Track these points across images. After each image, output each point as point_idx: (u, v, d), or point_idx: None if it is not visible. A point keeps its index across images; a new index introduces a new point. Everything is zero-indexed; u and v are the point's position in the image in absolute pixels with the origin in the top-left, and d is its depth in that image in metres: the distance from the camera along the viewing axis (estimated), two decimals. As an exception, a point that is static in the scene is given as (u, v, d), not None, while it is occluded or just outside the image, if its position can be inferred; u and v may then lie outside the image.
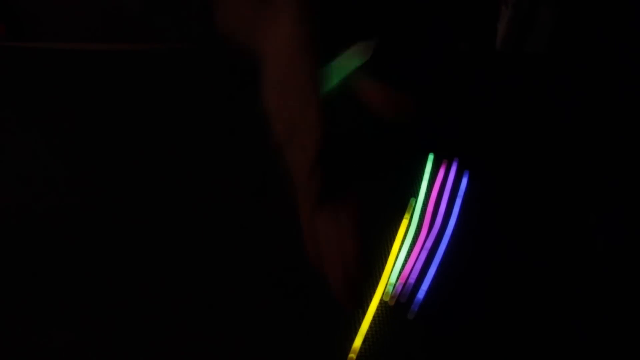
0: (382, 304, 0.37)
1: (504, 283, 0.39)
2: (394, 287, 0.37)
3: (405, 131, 0.48)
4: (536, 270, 0.39)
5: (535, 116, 0.51)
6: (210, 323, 0.35)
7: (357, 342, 0.34)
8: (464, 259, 0.40)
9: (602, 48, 0.61)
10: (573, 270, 0.40)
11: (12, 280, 0.37)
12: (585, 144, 0.48)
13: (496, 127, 0.50)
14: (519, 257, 0.40)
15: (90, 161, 0.45)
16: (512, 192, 0.44)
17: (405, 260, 0.39)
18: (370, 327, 0.35)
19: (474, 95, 0.52)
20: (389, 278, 0.38)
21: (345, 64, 0.33)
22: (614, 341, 0.36)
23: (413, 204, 0.43)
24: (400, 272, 0.38)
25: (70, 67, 0.52)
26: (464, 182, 0.44)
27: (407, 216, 0.42)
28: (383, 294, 0.37)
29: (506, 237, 0.41)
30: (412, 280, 0.38)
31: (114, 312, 0.36)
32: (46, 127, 0.47)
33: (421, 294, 0.37)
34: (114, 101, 0.49)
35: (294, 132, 0.29)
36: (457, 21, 0.63)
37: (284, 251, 0.39)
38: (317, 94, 0.28)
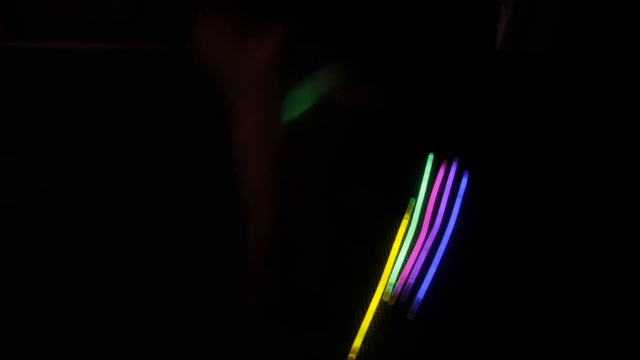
0: (382, 304, 0.37)
1: (504, 283, 0.39)
2: (394, 287, 0.37)
3: (405, 131, 0.48)
4: (536, 270, 0.39)
5: (535, 116, 0.51)
6: (210, 323, 0.35)
7: (357, 342, 0.34)
8: (463, 259, 0.40)
9: (602, 48, 0.61)
10: (573, 270, 0.40)
11: (12, 280, 0.37)
12: (585, 144, 0.48)
13: (496, 127, 0.50)
14: (518, 257, 0.40)
15: (90, 161, 0.45)
16: (512, 192, 0.44)
17: (405, 260, 0.39)
18: (370, 327, 0.35)
19: (474, 95, 0.52)
20: (389, 278, 0.38)
21: (318, 86, 0.33)
22: (614, 341, 0.36)
23: (413, 204, 0.43)
24: (400, 272, 0.38)
25: (70, 67, 0.52)
26: (464, 182, 0.44)
27: (407, 216, 0.42)
28: (383, 294, 0.37)
29: (506, 237, 0.41)
30: (412, 280, 0.38)
31: (114, 312, 0.36)
32: (46, 126, 0.47)
33: (421, 294, 0.37)
34: (113, 101, 0.49)
35: (251, 211, 0.30)
36: (456, 21, 0.63)
37: (284, 251, 0.39)
38: (273, 186, 0.29)
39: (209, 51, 0.34)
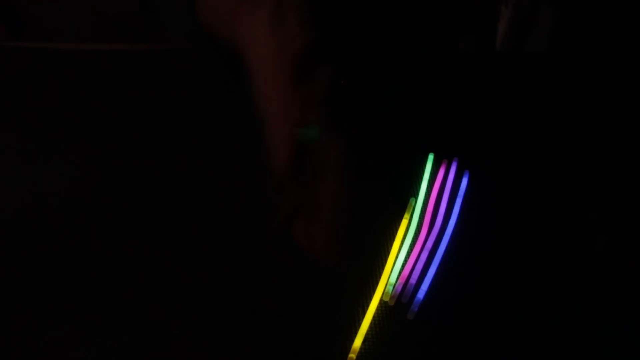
0: (382, 304, 0.37)
1: (504, 283, 0.39)
2: (394, 287, 0.37)
3: (405, 131, 0.48)
4: (536, 270, 0.39)
5: (535, 116, 0.51)
6: (210, 323, 0.35)
7: (357, 342, 0.34)
8: (464, 259, 0.40)
9: (602, 48, 0.61)
10: (573, 270, 0.40)
11: (11, 280, 0.37)
12: (585, 144, 0.48)
13: (496, 127, 0.50)
14: (519, 257, 0.40)
15: (90, 161, 0.45)
16: (512, 192, 0.44)
17: (405, 260, 0.39)
18: (370, 327, 0.35)
19: (474, 96, 0.52)
20: (388, 278, 0.38)
21: None
22: (614, 341, 0.36)
23: (413, 204, 0.43)
24: (400, 272, 0.38)
25: (70, 67, 0.52)
26: (464, 182, 0.44)
27: (407, 216, 0.42)
28: (383, 294, 0.37)
29: (506, 237, 0.41)
30: (412, 280, 0.38)
31: (113, 312, 0.36)
32: (46, 126, 0.47)
33: (421, 294, 0.37)
34: (113, 101, 0.49)
35: (271, 138, 0.31)
36: (455, 20, 0.63)
37: (284, 251, 0.39)
38: (291, 115, 0.29)
39: (211, 19, 0.35)
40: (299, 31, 0.29)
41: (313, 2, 0.30)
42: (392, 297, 0.37)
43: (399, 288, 0.37)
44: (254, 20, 0.30)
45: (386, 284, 0.37)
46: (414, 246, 0.40)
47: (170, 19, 0.41)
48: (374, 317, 0.36)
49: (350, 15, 0.53)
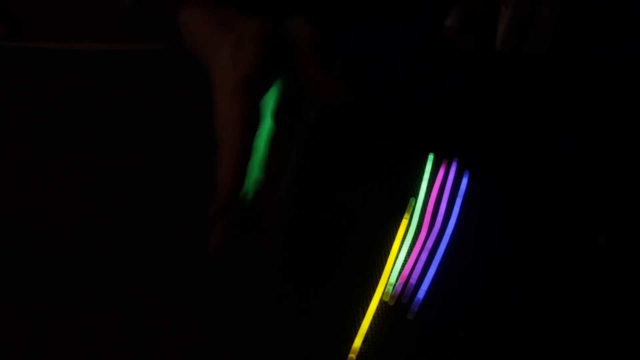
0: (382, 304, 0.37)
1: (504, 283, 0.39)
2: (394, 287, 0.37)
3: (405, 131, 0.48)
4: (536, 270, 0.39)
5: (536, 116, 0.51)
6: (210, 323, 0.35)
7: (357, 342, 0.34)
8: (464, 259, 0.40)
9: (602, 48, 0.61)
10: (573, 270, 0.40)
11: (11, 280, 0.37)
12: (585, 144, 0.48)
13: (496, 127, 0.50)
14: (519, 257, 0.40)
15: (90, 160, 0.45)
16: (512, 192, 0.44)
17: (405, 260, 0.39)
18: (370, 327, 0.35)
19: (474, 96, 0.52)
20: (388, 278, 0.38)
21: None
22: (613, 341, 0.36)
23: (413, 204, 0.43)
24: (400, 272, 0.38)
25: (70, 67, 0.52)
26: (464, 182, 0.44)
27: (407, 216, 0.42)
28: (383, 294, 0.37)
29: (506, 237, 0.41)
30: (412, 280, 0.38)
31: (113, 312, 0.36)
32: (46, 126, 0.47)
33: (421, 294, 0.37)
34: (113, 101, 0.50)
35: (219, 161, 0.32)
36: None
37: (284, 251, 0.39)
38: (241, 146, 0.31)
39: (194, 38, 0.37)
40: (252, 59, 0.32)
41: (269, 35, 0.33)
42: (392, 297, 0.37)
43: (399, 288, 0.37)
44: (221, 50, 0.34)
45: (386, 284, 0.37)
46: (414, 246, 0.40)
47: (156, 31, 0.43)
48: (374, 317, 0.36)
49: (349, 17, 0.54)
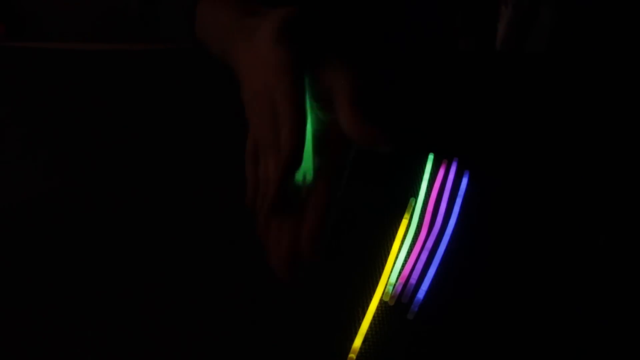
0: (382, 304, 0.37)
1: (504, 283, 0.39)
2: (394, 287, 0.37)
3: (405, 131, 0.48)
4: (536, 270, 0.39)
5: (536, 116, 0.51)
6: (210, 323, 0.35)
7: (357, 342, 0.34)
8: (464, 259, 0.40)
9: (601, 48, 0.61)
10: (573, 270, 0.40)
11: (11, 280, 0.37)
12: (585, 144, 0.48)
13: (496, 127, 0.50)
14: (519, 257, 0.40)
15: (90, 160, 0.45)
16: (512, 192, 0.44)
17: (405, 260, 0.39)
18: (370, 327, 0.35)
19: (474, 96, 0.52)
20: (388, 278, 0.38)
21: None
22: (613, 341, 0.36)
23: (413, 204, 0.43)
24: (400, 272, 0.38)
25: (70, 67, 0.52)
26: (464, 182, 0.44)
27: (407, 216, 0.42)
28: (383, 294, 0.37)
29: (506, 237, 0.41)
30: (412, 280, 0.38)
31: (113, 312, 0.36)
32: (46, 126, 0.47)
33: (421, 294, 0.37)
34: (113, 101, 0.49)
35: (266, 149, 0.31)
36: (452, 18, 0.63)
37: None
38: (296, 126, 0.29)
39: (213, 31, 0.36)
40: (292, 60, 0.30)
41: (310, 25, 0.32)
42: (392, 297, 0.37)
43: (399, 288, 0.37)
44: (250, 47, 0.32)
45: (386, 284, 0.37)
46: (414, 246, 0.40)
47: (168, 26, 0.42)
48: (374, 317, 0.36)
49: (351, 18, 0.54)
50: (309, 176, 0.32)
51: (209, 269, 0.38)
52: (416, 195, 0.43)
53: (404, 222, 0.41)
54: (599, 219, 0.43)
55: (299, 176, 0.32)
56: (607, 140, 0.49)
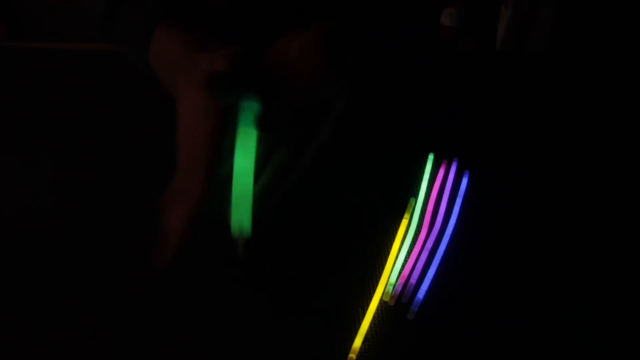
0: (382, 304, 0.37)
1: (504, 283, 0.39)
2: (394, 287, 0.37)
3: (405, 131, 0.48)
4: (536, 270, 0.39)
5: (535, 116, 0.51)
6: (211, 323, 0.35)
7: (357, 342, 0.34)
8: (464, 259, 0.40)
9: (601, 48, 0.61)
10: (573, 270, 0.40)
11: (11, 280, 0.37)
12: (585, 144, 0.48)
13: (496, 127, 0.50)
14: (519, 257, 0.40)
15: (90, 160, 0.45)
16: (512, 192, 0.44)
17: (405, 260, 0.39)
18: (370, 327, 0.35)
19: (474, 96, 0.52)
20: (388, 278, 0.38)
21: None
22: (613, 341, 0.36)
23: (413, 204, 0.43)
24: (400, 272, 0.38)
25: (70, 67, 0.52)
26: (464, 182, 0.44)
27: (407, 216, 0.42)
28: (383, 294, 0.37)
29: (506, 237, 0.41)
30: (412, 280, 0.38)
31: (113, 312, 0.36)
32: (46, 126, 0.47)
33: (421, 294, 0.37)
34: (113, 101, 0.50)
35: (175, 197, 0.31)
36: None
37: (283, 252, 0.39)
38: (204, 178, 0.30)
39: (164, 57, 0.36)
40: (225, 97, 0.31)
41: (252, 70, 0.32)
42: (392, 297, 0.37)
43: (399, 288, 0.37)
44: (185, 86, 0.33)
45: (386, 284, 0.37)
46: (414, 246, 0.40)
47: (125, 50, 0.42)
48: (374, 317, 0.36)
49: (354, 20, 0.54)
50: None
51: (209, 269, 0.38)
52: (416, 195, 0.43)
53: (404, 222, 0.41)
54: (599, 219, 0.43)
55: None
56: (607, 140, 0.49)
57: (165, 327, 0.35)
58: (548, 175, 0.46)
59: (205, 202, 0.30)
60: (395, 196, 0.43)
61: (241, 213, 0.32)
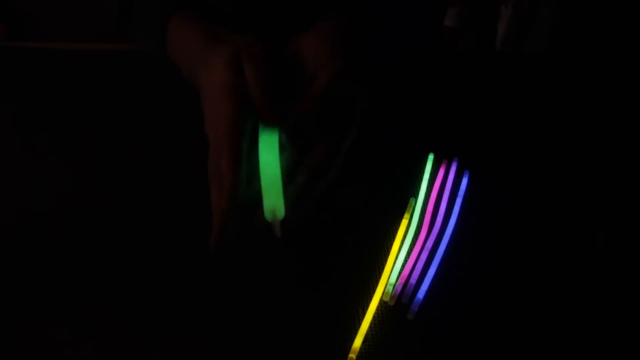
0: (382, 304, 0.37)
1: (504, 283, 0.39)
2: (394, 287, 0.37)
3: (405, 131, 0.48)
4: (536, 270, 0.39)
5: (535, 116, 0.51)
6: (211, 323, 0.35)
7: (357, 342, 0.34)
8: (464, 259, 0.40)
9: (601, 48, 0.61)
10: (573, 270, 0.40)
11: (11, 279, 0.37)
12: (585, 144, 0.48)
13: (496, 127, 0.50)
14: (519, 257, 0.40)
15: (90, 160, 0.45)
16: (512, 192, 0.44)
17: (405, 260, 0.39)
18: (370, 327, 0.35)
19: (474, 95, 0.52)
20: (388, 278, 0.38)
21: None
22: (613, 341, 0.36)
23: (413, 204, 0.43)
24: (400, 272, 0.38)
25: (70, 67, 0.52)
26: (464, 182, 0.44)
27: (407, 216, 0.42)
28: (383, 294, 0.37)
29: (506, 237, 0.41)
30: (412, 280, 0.38)
31: (114, 312, 0.36)
32: (46, 126, 0.47)
33: (421, 294, 0.37)
34: (112, 101, 0.49)
35: (215, 172, 0.32)
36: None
37: (284, 252, 0.39)
38: (234, 149, 0.31)
39: (180, 48, 0.37)
40: (254, 80, 0.32)
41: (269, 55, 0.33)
42: (392, 297, 0.37)
43: (399, 288, 0.37)
44: (207, 72, 0.33)
45: (386, 284, 0.37)
46: (414, 246, 0.40)
47: (144, 45, 0.43)
48: (374, 317, 0.36)
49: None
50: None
51: (209, 269, 0.38)
52: (416, 195, 0.43)
53: (404, 222, 0.41)
54: (598, 219, 0.43)
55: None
56: (607, 140, 0.49)
57: (165, 327, 0.35)
58: (548, 175, 0.46)
59: (239, 186, 0.31)
60: (395, 196, 0.43)
61: (273, 199, 0.32)
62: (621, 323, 0.37)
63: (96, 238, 0.40)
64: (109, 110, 0.49)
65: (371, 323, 0.35)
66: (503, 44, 0.70)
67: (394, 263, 0.39)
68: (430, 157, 0.46)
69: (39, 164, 0.44)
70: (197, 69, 0.35)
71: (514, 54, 0.65)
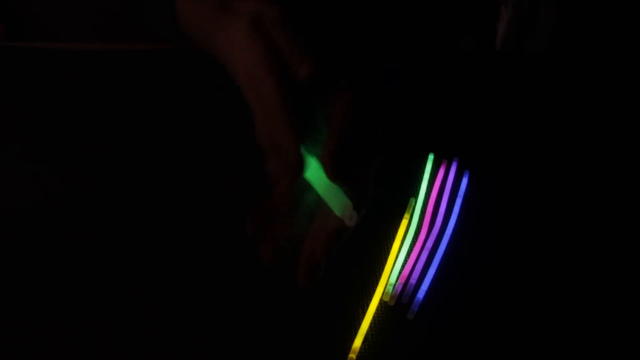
0: (382, 304, 0.37)
1: (504, 283, 0.39)
2: (394, 287, 0.37)
3: (405, 131, 0.48)
4: (536, 270, 0.39)
5: (535, 116, 0.51)
6: (211, 323, 0.35)
7: (357, 342, 0.34)
8: (464, 259, 0.40)
9: (601, 48, 0.61)
10: (573, 270, 0.40)
11: (11, 280, 0.37)
12: (585, 144, 0.48)
13: (496, 127, 0.50)
14: (518, 257, 0.40)
15: (89, 160, 0.45)
16: (512, 192, 0.44)
17: (405, 260, 0.39)
18: (370, 327, 0.35)
19: (474, 96, 0.52)
20: (388, 278, 0.38)
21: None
22: (613, 341, 0.36)
23: (413, 204, 0.43)
24: (400, 272, 0.38)
25: (70, 67, 0.52)
26: (464, 182, 0.44)
27: (407, 216, 0.42)
28: (383, 294, 0.37)
29: (506, 237, 0.41)
30: (412, 280, 0.38)
31: (114, 312, 0.36)
32: (46, 126, 0.47)
33: (421, 294, 0.37)
34: (112, 101, 0.49)
35: (273, 147, 0.30)
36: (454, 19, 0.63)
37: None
38: (288, 117, 0.29)
39: (192, 26, 0.36)
40: (281, 39, 0.30)
41: (292, 14, 0.31)
42: (392, 297, 0.37)
43: (399, 288, 0.37)
44: (233, 31, 0.32)
45: (386, 284, 0.37)
46: (414, 246, 0.40)
47: (154, 23, 0.42)
48: (374, 317, 0.36)
49: (348, 18, 0.53)
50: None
51: (210, 269, 0.38)
52: (416, 195, 0.43)
53: (404, 222, 0.41)
54: (599, 220, 0.43)
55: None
56: (607, 141, 0.49)
57: (165, 327, 0.35)
58: (548, 176, 0.46)
59: (301, 158, 0.29)
60: (395, 196, 0.43)
61: (338, 199, 0.32)
62: (621, 323, 0.37)
63: (96, 238, 0.40)
64: (109, 110, 0.49)
65: (371, 323, 0.35)
66: (503, 44, 0.70)
67: (394, 263, 0.39)
68: (430, 157, 0.46)
69: (38, 164, 0.44)
70: (213, 38, 0.33)
71: (514, 54, 0.65)
